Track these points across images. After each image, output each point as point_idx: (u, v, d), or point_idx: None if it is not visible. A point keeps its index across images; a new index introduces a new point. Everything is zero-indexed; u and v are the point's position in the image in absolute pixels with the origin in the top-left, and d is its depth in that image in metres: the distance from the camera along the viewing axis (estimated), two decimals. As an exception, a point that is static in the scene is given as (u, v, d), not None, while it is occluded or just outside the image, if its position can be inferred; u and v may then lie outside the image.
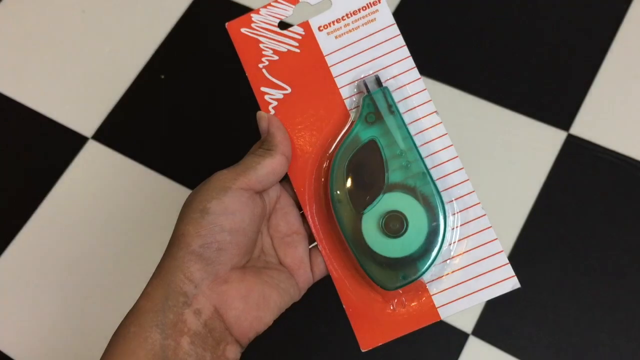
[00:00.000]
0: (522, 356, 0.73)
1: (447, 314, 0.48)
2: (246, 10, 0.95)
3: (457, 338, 0.75)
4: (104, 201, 0.88)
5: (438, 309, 0.48)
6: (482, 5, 0.92)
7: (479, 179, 0.80)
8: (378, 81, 0.49)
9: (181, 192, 0.87)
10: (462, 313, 0.74)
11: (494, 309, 0.76)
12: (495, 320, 0.75)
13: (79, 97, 0.96)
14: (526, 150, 0.83)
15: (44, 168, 0.92)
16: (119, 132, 0.93)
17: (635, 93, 0.84)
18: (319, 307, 0.75)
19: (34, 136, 0.95)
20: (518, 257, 0.77)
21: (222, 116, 0.91)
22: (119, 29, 1.00)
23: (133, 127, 0.93)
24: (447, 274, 0.48)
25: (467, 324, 0.76)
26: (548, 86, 0.86)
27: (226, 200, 0.44)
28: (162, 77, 0.96)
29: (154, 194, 0.88)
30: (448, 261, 0.48)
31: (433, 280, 0.48)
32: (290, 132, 0.50)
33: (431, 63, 0.89)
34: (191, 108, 0.93)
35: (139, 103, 0.95)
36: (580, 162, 0.81)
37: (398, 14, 0.93)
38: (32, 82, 0.99)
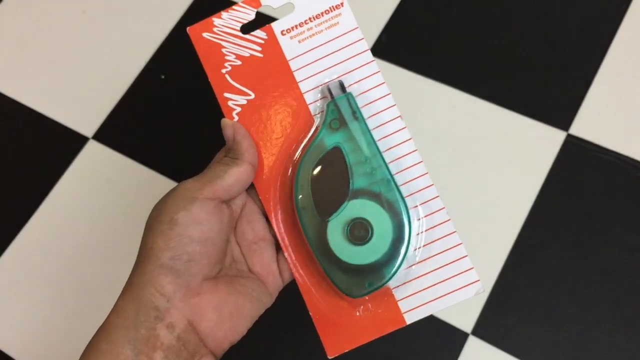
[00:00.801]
0: (522, 356, 0.73)
1: (413, 319, 0.48)
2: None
3: (457, 338, 0.75)
4: (104, 201, 0.89)
5: (404, 315, 0.48)
6: (482, 5, 0.91)
7: (478, 179, 0.81)
8: (342, 87, 0.48)
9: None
10: (461, 313, 0.74)
11: (494, 309, 0.75)
12: (495, 320, 0.75)
13: (79, 97, 0.97)
14: (526, 150, 0.82)
15: (44, 168, 0.92)
16: (119, 132, 0.93)
17: (635, 93, 0.83)
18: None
19: (34, 136, 0.95)
20: (518, 257, 0.77)
21: (222, 116, 0.91)
22: (119, 29, 1.01)
23: (133, 127, 0.94)
24: (413, 279, 0.48)
25: (467, 324, 0.75)
26: (548, 86, 0.85)
27: (194, 210, 0.44)
28: (162, 77, 0.96)
29: (154, 194, 0.87)
30: (413, 267, 0.48)
31: (399, 286, 0.48)
32: (254, 139, 0.49)
33: (430, 63, 0.89)
34: (191, 108, 0.93)
35: (139, 103, 0.95)
36: (580, 162, 0.81)
37: (398, 14, 0.92)
38: (32, 82, 0.99)
